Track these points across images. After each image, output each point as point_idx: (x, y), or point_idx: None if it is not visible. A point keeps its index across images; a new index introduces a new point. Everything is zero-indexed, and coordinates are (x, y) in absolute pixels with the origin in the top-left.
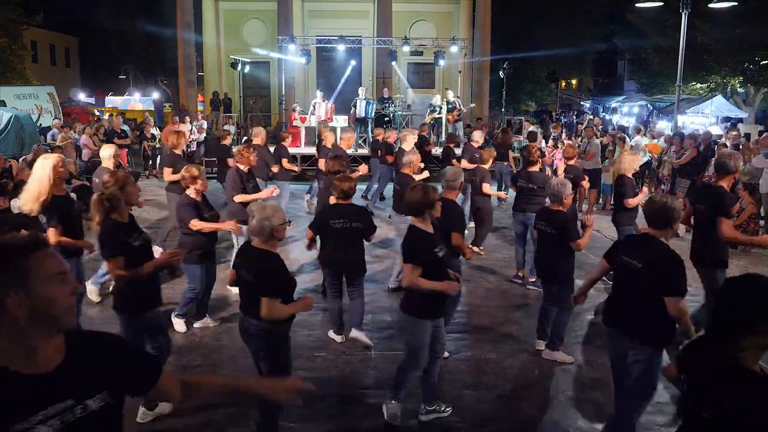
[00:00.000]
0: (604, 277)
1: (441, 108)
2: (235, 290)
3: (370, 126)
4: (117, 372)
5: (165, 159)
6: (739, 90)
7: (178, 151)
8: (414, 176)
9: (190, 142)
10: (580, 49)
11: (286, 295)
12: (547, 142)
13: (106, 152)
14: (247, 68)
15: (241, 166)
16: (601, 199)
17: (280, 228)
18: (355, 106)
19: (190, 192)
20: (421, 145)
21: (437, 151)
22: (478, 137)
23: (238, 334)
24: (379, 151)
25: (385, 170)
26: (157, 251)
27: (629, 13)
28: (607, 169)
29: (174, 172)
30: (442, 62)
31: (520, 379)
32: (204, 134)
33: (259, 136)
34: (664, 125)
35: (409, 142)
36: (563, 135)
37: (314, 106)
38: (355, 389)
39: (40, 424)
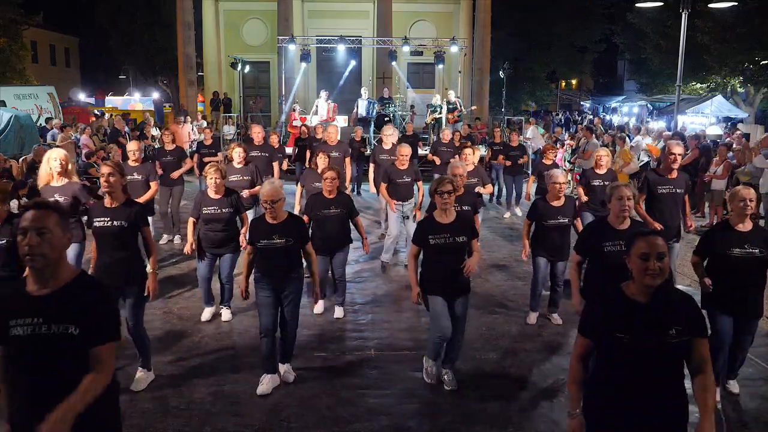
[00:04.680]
0: None
1: (441, 108)
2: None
3: (371, 126)
4: (86, 316)
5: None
6: (739, 90)
7: (167, 147)
8: (400, 168)
9: (191, 142)
10: (580, 49)
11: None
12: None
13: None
14: (247, 68)
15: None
16: None
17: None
18: (357, 107)
19: (209, 184)
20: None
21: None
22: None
23: (237, 334)
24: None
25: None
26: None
27: (629, 13)
28: None
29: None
30: (441, 64)
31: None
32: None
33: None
34: (659, 125)
35: (388, 140)
36: (566, 135)
37: (317, 106)
38: (354, 389)
39: (17, 326)
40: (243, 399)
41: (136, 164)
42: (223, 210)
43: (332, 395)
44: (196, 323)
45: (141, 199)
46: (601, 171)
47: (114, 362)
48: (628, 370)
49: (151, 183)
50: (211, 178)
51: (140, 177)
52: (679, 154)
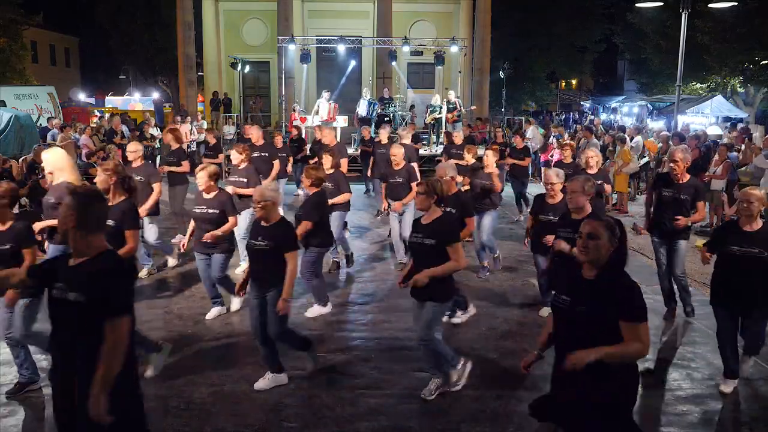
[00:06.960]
0: None
1: (441, 108)
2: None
3: (372, 126)
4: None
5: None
6: (739, 90)
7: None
8: (394, 168)
9: (191, 142)
10: (580, 49)
11: None
12: (548, 141)
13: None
14: (247, 68)
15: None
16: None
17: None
18: (359, 107)
19: (198, 184)
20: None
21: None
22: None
23: (237, 334)
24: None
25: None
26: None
27: (629, 13)
28: (607, 169)
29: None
30: (441, 64)
31: None
32: (204, 134)
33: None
34: (658, 126)
35: (383, 137)
36: (566, 135)
37: (319, 106)
38: (354, 389)
39: (56, 289)
40: (243, 399)
41: (139, 165)
42: (209, 211)
43: (332, 395)
44: (196, 323)
45: (147, 204)
46: (592, 171)
47: None
48: None
49: (153, 184)
50: (200, 179)
51: (141, 178)
52: (681, 160)
